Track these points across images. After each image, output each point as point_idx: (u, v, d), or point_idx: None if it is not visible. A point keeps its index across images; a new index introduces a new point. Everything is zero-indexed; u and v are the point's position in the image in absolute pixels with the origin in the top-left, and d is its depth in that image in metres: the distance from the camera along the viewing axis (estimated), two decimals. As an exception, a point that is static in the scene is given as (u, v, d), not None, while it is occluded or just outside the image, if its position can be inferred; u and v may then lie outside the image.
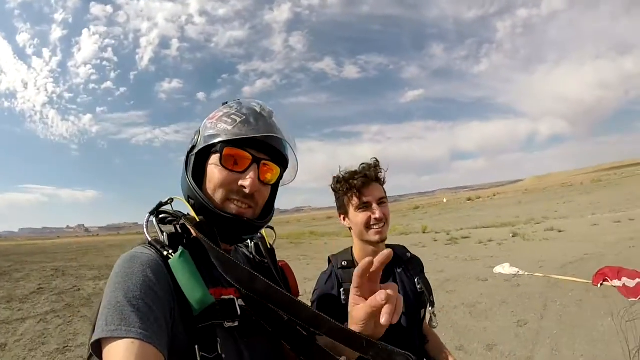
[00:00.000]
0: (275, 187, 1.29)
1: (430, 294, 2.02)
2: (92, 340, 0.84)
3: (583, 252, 11.01)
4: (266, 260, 1.32)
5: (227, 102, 1.22)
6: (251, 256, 1.34)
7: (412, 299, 1.96)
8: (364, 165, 1.98)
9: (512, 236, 16.38)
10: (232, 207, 1.11)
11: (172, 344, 0.89)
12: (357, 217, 1.94)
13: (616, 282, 7.13)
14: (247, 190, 1.10)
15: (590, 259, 9.87)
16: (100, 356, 0.83)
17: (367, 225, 1.92)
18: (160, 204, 1.13)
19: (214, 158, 1.12)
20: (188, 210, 1.13)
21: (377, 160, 2.01)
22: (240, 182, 1.10)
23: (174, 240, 1.04)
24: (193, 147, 1.16)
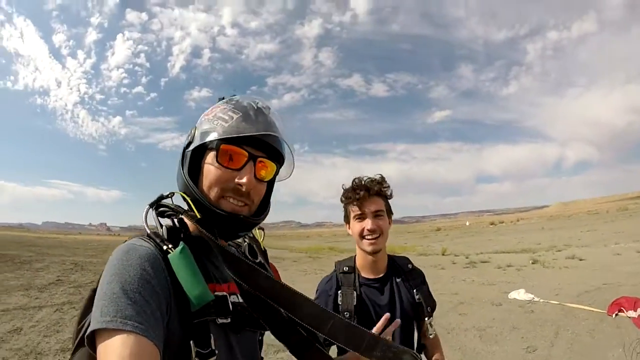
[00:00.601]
0: (271, 184, 1.28)
1: (429, 305, 2.08)
2: (88, 332, 0.83)
3: (602, 281, 10.75)
4: (260, 261, 1.32)
5: (223, 98, 1.21)
6: (243, 256, 1.26)
7: (409, 309, 2.05)
8: (369, 179, 2.10)
9: (532, 262, 16.04)
10: (228, 205, 1.11)
11: (167, 339, 0.88)
12: (354, 227, 2.09)
13: (631, 313, 6.97)
14: (243, 188, 1.10)
15: (608, 289, 9.63)
16: (94, 349, 0.82)
17: (361, 236, 2.05)
18: (161, 197, 1.12)
19: (210, 155, 1.12)
20: (188, 205, 1.13)
21: (382, 176, 2.12)
22: (236, 180, 1.10)
23: (173, 235, 1.03)
24: (189, 143, 1.15)
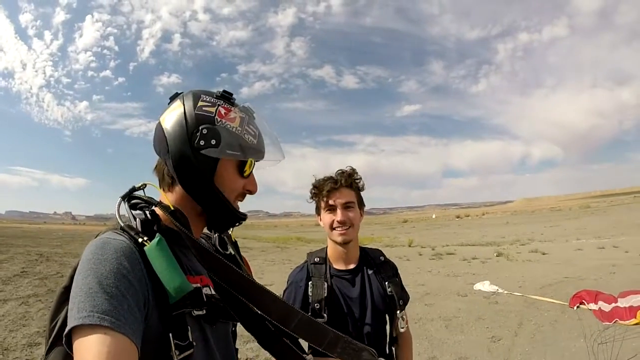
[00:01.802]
0: None
1: (401, 298, 2.06)
2: (65, 332, 0.80)
3: (564, 275, 11.05)
4: (231, 252, 1.35)
5: (223, 93, 1.18)
6: (213, 248, 1.34)
7: (380, 301, 2.03)
8: (339, 171, 2.10)
9: (496, 255, 16.41)
10: (237, 207, 1.19)
11: (145, 333, 0.87)
12: (324, 219, 2.09)
13: (592, 306, 7.17)
14: (253, 194, 1.22)
15: (570, 282, 9.91)
16: (70, 347, 0.80)
17: (332, 227, 2.05)
18: (133, 189, 1.12)
19: (230, 163, 1.14)
20: (161, 197, 1.15)
21: (353, 169, 2.12)
22: (247, 187, 1.20)
23: (147, 227, 1.03)
24: (208, 146, 1.09)
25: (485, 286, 10.19)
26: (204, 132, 1.08)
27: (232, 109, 1.15)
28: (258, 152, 1.19)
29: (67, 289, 0.91)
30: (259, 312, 1.09)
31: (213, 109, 1.12)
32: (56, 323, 0.94)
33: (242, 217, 1.19)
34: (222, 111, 1.13)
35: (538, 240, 21.87)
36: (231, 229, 1.31)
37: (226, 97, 1.17)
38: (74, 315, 0.80)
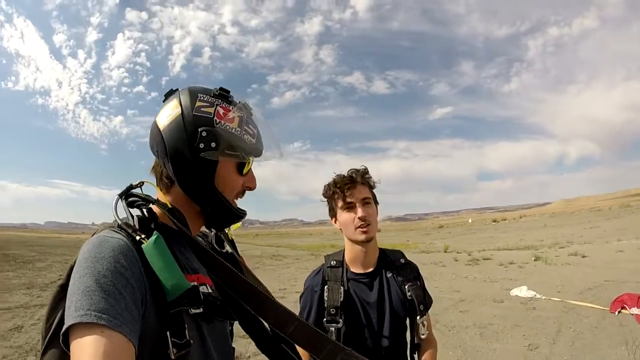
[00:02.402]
0: None
1: (422, 303, 1.96)
2: (62, 330, 0.80)
3: (604, 278, 10.70)
4: (228, 251, 1.34)
5: (221, 91, 1.17)
6: (210, 246, 1.32)
7: (400, 306, 1.94)
8: (353, 170, 2.05)
9: (534, 259, 16.01)
10: (236, 204, 1.19)
11: (143, 331, 0.87)
12: (342, 218, 2.02)
13: (635, 310, 6.91)
14: (253, 190, 1.23)
15: (611, 286, 9.59)
16: (67, 346, 0.79)
17: (352, 225, 1.97)
18: (131, 187, 1.12)
19: (230, 162, 1.14)
20: (158, 194, 1.16)
21: (365, 167, 2.08)
22: (247, 185, 1.21)
23: (145, 225, 1.02)
24: (208, 148, 1.09)
25: (522, 291, 9.94)
26: (203, 134, 1.08)
27: (231, 108, 1.15)
28: (257, 151, 1.20)
29: (63, 287, 0.90)
30: (255, 314, 1.08)
31: (212, 110, 1.11)
32: (53, 321, 0.93)
33: (241, 215, 1.20)
34: (221, 111, 1.13)
35: (577, 243, 21.22)
36: (229, 227, 1.31)
37: (224, 96, 1.16)
38: (71, 313, 0.79)
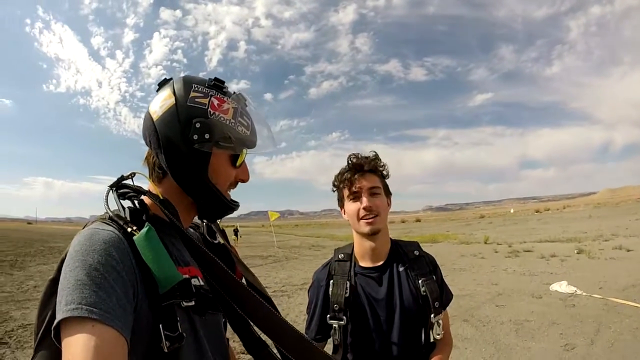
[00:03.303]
0: None
1: (437, 299, 1.78)
2: (54, 325, 0.79)
3: (650, 275, 10.30)
4: (220, 242, 1.33)
5: (213, 82, 1.15)
6: (201, 238, 1.31)
7: (412, 303, 1.79)
8: (362, 156, 1.92)
9: (577, 252, 15.58)
10: (229, 196, 1.20)
11: (135, 325, 0.86)
12: (348, 208, 1.89)
13: (680, 312, 6.65)
14: (246, 182, 1.23)
15: (657, 284, 9.23)
16: (59, 340, 0.79)
17: (357, 216, 1.84)
18: (122, 178, 1.11)
19: (223, 154, 1.14)
20: (149, 186, 1.15)
21: (376, 153, 1.94)
22: (240, 177, 1.21)
23: (136, 216, 1.01)
24: (202, 140, 1.08)
25: (562, 287, 9.71)
26: (197, 125, 1.07)
27: (225, 99, 1.14)
28: (250, 143, 1.20)
29: (54, 281, 0.89)
30: (242, 314, 1.04)
31: (206, 101, 1.10)
32: (45, 317, 0.91)
33: (234, 207, 1.19)
34: (215, 102, 1.12)
35: (622, 236, 20.53)
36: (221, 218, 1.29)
37: (218, 87, 1.15)
38: (62, 307, 0.78)
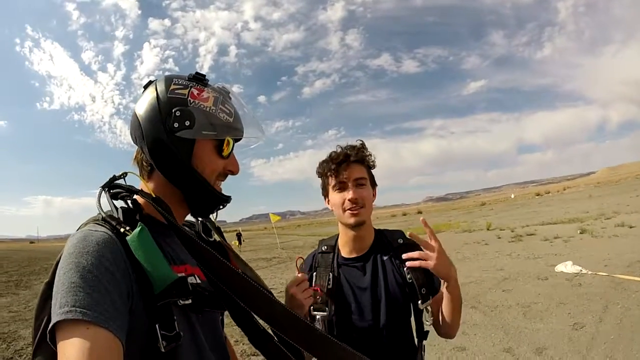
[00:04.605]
0: None
1: (424, 286, 1.73)
2: (49, 328, 0.79)
3: (654, 249, 10.29)
4: (216, 239, 1.32)
5: (194, 76, 1.17)
6: (197, 235, 1.29)
7: (397, 290, 1.76)
8: (348, 145, 1.88)
9: (580, 232, 15.58)
10: (219, 188, 1.18)
11: (131, 325, 0.86)
12: (333, 199, 1.85)
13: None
14: (235, 174, 1.21)
15: (662, 258, 9.22)
16: (55, 343, 0.78)
17: (342, 207, 1.80)
18: (114, 178, 1.10)
19: (208, 143, 1.13)
20: (142, 185, 1.14)
21: (362, 142, 1.90)
22: (229, 168, 1.19)
23: (129, 216, 1.01)
24: (182, 128, 1.09)
25: (567, 267, 9.70)
26: (177, 114, 1.07)
27: (205, 89, 1.14)
28: (235, 130, 1.17)
29: (50, 285, 0.88)
30: (245, 307, 1.01)
31: (185, 91, 1.11)
32: (42, 321, 0.90)
33: (224, 199, 1.18)
34: (195, 92, 1.12)
35: (624, 213, 20.51)
36: (214, 213, 1.27)
37: (199, 79, 1.16)
38: (56, 311, 0.78)
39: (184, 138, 1.08)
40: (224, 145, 1.14)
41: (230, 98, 1.19)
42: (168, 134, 1.07)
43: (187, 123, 1.08)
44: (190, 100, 1.10)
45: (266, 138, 1.28)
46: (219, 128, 1.13)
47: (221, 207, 1.21)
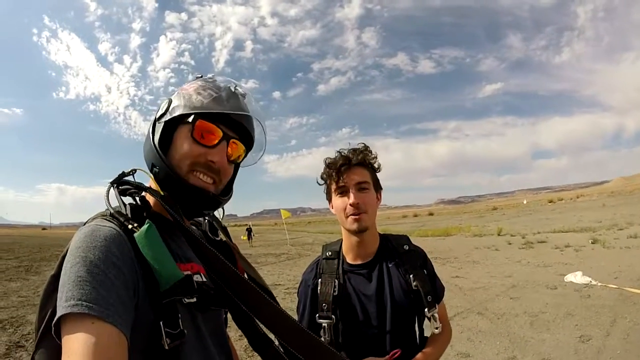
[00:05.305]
0: (236, 168, 1.27)
1: (430, 293, 1.73)
2: (54, 321, 0.79)
3: (667, 263, 10.15)
4: (222, 239, 1.31)
5: (201, 76, 1.20)
6: (203, 235, 1.29)
7: (402, 298, 1.73)
8: (351, 148, 1.83)
9: (592, 242, 15.40)
10: (196, 180, 1.10)
11: (136, 322, 0.86)
12: (336, 204, 1.82)
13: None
14: (215, 165, 1.11)
15: (674, 272, 9.09)
16: (60, 336, 0.79)
17: (344, 212, 1.77)
18: (123, 174, 1.09)
19: (184, 129, 1.11)
20: (150, 182, 1.13)
21: (366, 146, 1.86)
22: (209, 157, 1.10)
23: (137, 213, 1.01)
24: (162, 115, 1.13)
25: (577, 277, 9.59)
26: (163, 105, 1.13)
27: (200, 82, 1.16)
28: (204, 107, 1.10)
29: (56, 278, 0.88)
30: (247, 311, 1.00)
31: (182, 87, 1.17)
32: (46, 313, 0.90)
33: (200, 193, 1.10)
34: (186, 85, 1.15)
35: (638, 224, 20.15)
36: (215, 212, 1.27)
37: (200, 77, 1.20)
38: (62, 304, 0.78)
39: (161, 123, 1.12)
40: (194, 127, 1.09)
41: (230, 91, 1.16)
42: (153, 124, 1.14)
43: (165, 108, 1.13)
44: (177, 91, 1.16)
45: (237, 115, 1.16)
46: (188, 107, 1.11)
47: (209, 209, 1.19)
